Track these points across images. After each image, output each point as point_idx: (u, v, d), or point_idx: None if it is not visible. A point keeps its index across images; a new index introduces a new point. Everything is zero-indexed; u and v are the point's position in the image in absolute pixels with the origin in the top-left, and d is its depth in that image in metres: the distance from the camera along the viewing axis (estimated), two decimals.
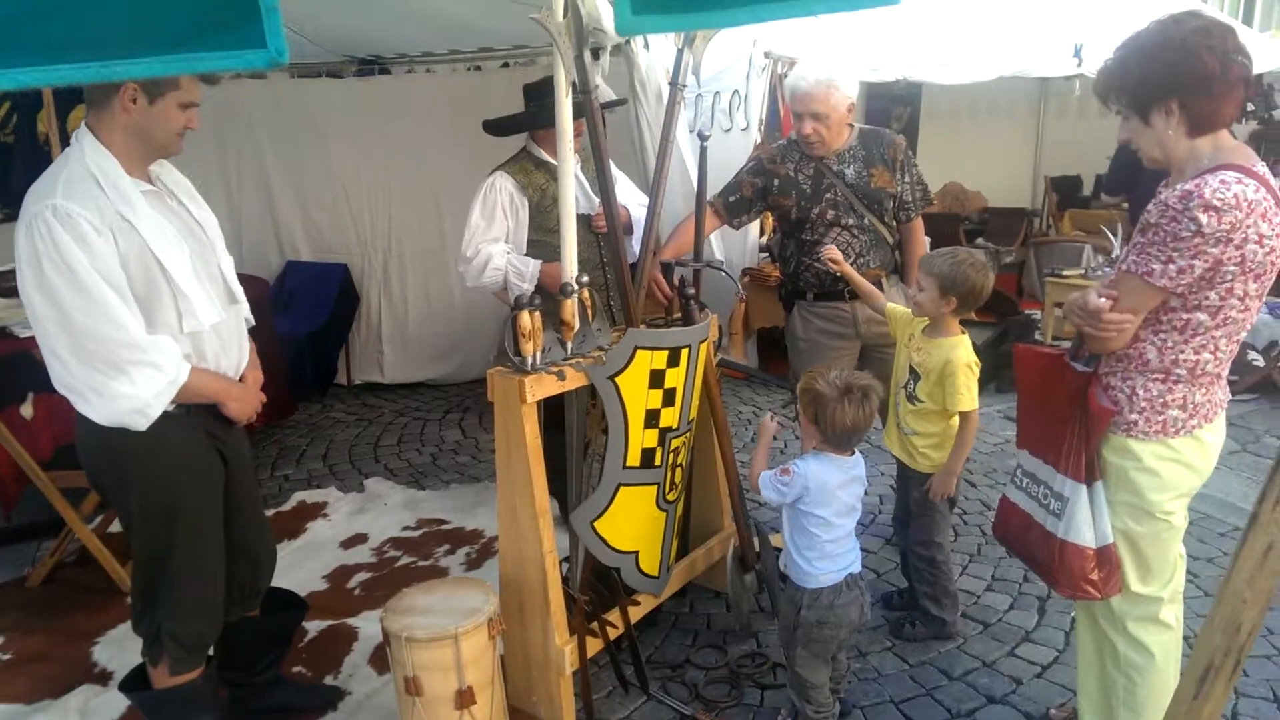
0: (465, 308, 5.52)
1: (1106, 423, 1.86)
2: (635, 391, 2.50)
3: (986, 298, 2.61)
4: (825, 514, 2.25)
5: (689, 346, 2.59)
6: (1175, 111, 1.76)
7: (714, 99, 5.77)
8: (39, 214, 1.81)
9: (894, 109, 8.24)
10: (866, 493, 2.38)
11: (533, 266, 3.28)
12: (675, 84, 2.73)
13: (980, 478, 4.09)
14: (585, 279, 2.58)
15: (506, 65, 5.32)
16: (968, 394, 2.57)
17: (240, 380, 2.22)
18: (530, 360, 2.36)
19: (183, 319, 1.98)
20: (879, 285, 3.13)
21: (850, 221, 3.07)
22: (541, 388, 2.36)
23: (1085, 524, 1.90)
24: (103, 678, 2.72)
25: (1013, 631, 2.88)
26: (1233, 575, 1.04)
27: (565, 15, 2.32)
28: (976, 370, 2.62)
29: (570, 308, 2.47)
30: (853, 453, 2.32)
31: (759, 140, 5.38)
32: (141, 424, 1.92)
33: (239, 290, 2.24)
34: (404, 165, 5.45)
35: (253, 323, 2.38)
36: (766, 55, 5.26)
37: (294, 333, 5.27)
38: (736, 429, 4.83)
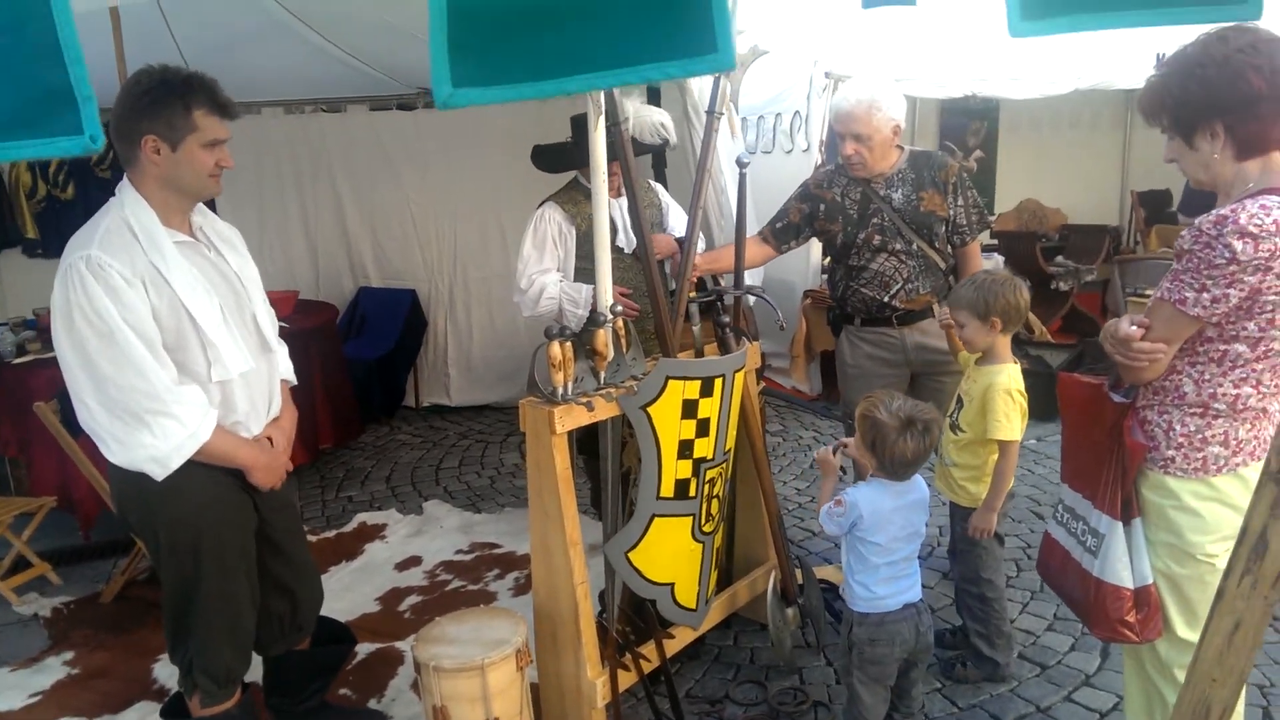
0: (529, 331, 5.60)
1: (1140, 458, 1.76)
2: (668, 422, 2.48)
3: (1028, 307, 2.51)
4: (879, 539, 2.20)
5: (723, 376, 2.56)
6: (1220, 134, 1.66)
7: (775, 120, 5.74)
8: (73, 264, 1.89)
9: (970, 124, 8.02)
10: (927, 524, 2.30)
11: (585, 292, 3.30)
12: (711, 112, 2.73)
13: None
14: (619, 309, 2.58)
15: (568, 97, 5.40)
16: (1006, 422, 2.46)
17: (266, 439, 2.24)
18: (560, 390, 2.37)
19: (211, 367, 2.04)
20: (930, 311, 3.05)
21: (898, 246, 3.01)
22: (571, 418, 2.37)
23: (1121, 563, 1.79)
24: (160, 695, 2.83)
25: (1072, 675, 2.73)
26: (1200, 655, 0.96)
27: None
28: (1021, 400, 2.51)
29: (603, 337, 2.47)
30: (910, 478, 2.26)
31: (819, 161, 5.32)
32: (159, 474, 1.97)
33: (274, 340, 2.30)
34: (469, 193, 5.59)
35: (293, 381, 2.42)
36: (827, 75, 5.20)
37: (364, 357, 5.43)
38: (794, 455, 4.74)
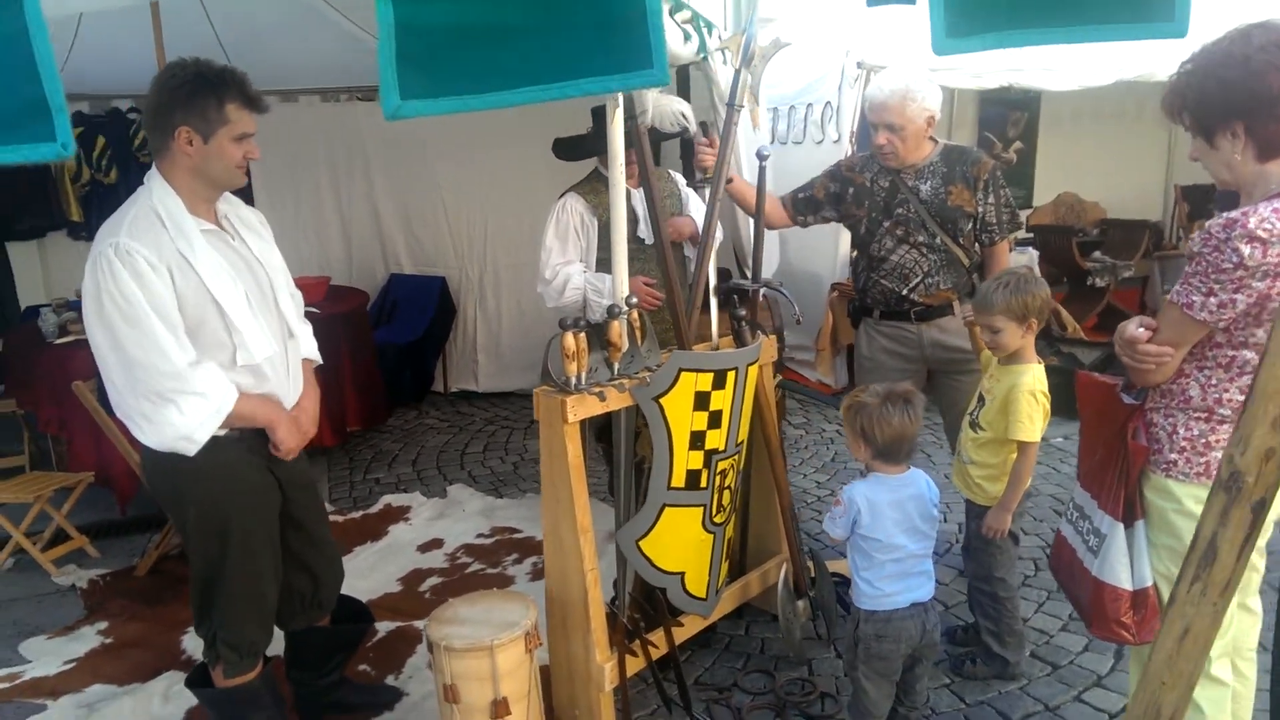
0: (556, 319, 5.63)
1: (1141, 461, 1.76)
2: (680, 413, 2.51)
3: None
4: (879, 535, 2.21)
5: (735, 369, 2.57)
6: (1241, 135, 1.64)
7: (806, 110, 5.71)
8: (103, 251, 1.96)
9: (1011, 114, 7.88)
10: (945, 519, 2.31)
11: (609, 282, 3.33)
12: (731, 105, 2.73)
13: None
14: (635, 300, 2.61)
15: None
16: (1028, 423, 2.45)
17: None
18: (574, 380, 2.40)
19: (237, 352, 2.11)
20: (950, 308, 3.04)
21: (920, 239, 2.99)
22: (584, 408, 2.40)
23: (1121, 564, 1.80)
24: (188, 665, 2.93)
25: (1083, 676, 2.72)
26: (1153, 659, 0.97)
27: None
28: (1044, 401, 2.49)
29: (617, 329, 2.50)
30: (906, 467, 2.27)
31: (850, 152, 5.28)
32: (190, 449, 2.04)
33: (297, 325, 2.36)
34: (501, 182, 5.64)
35: (317, 359, 2.49)
36: (859, 65, 5.15)
37: (394, 342, 5.53)
38: (817, 448, 4.74)
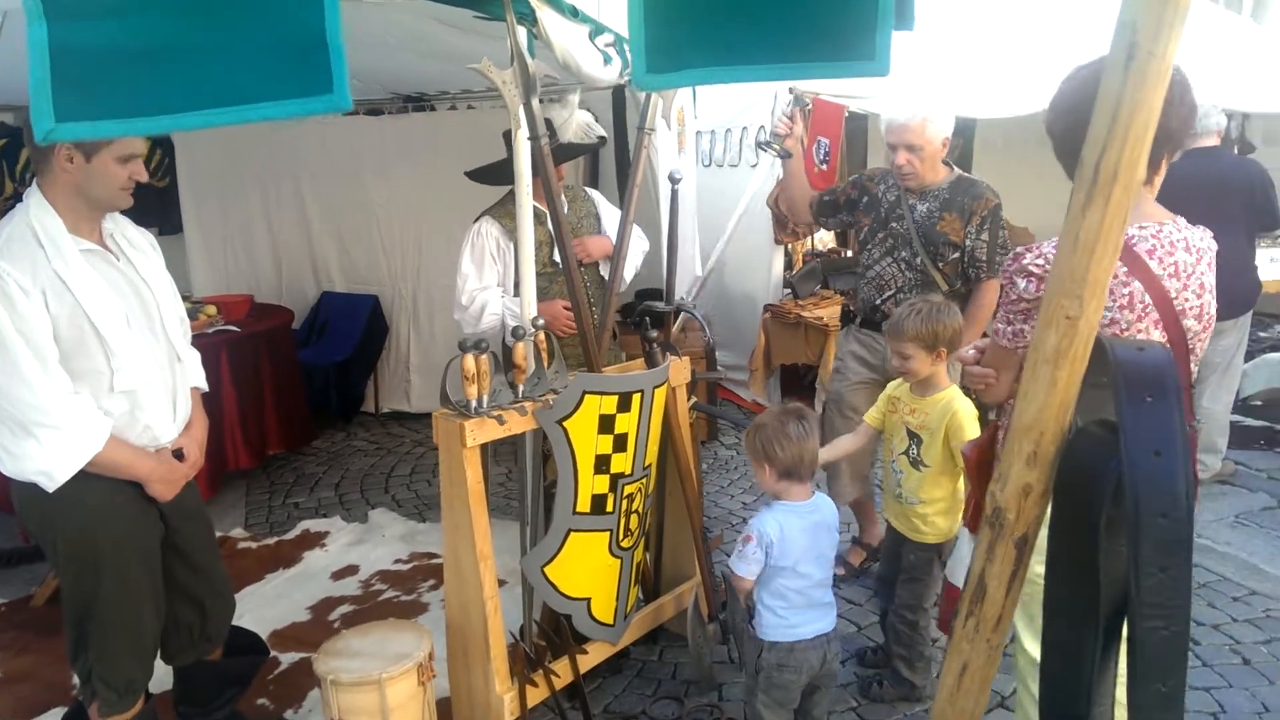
0: (493, 337, 5.59)
1: (972, 470, 1.81)
2: (584, 436, 2.48)
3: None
4: (788, 563, 2.19)
5: (641, 391, 2.55)
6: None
7: (741, 134, 5.75)
8: None
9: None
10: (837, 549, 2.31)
11: None
12: (642, 128, 2.73)
13: None
14: (541, 322, 2.59)
15: (541, 102, 5.41)
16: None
17: (178, 452, 2.23)
18: (473, 404, 2.36)
19: (115, 376, 2.03)
20: None
21: (904, 255, 3.13)
22: (483, 432, 2.36)
23: (962, 566, 1.87)
24: (74, 701, 2.81)
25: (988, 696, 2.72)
26: (938, 697, 0.97)
27: (512, 64, 2.35)
28: (974, 418, 2.51)
29: (522, 351, 2.48)
30: (811, 493, 2.26)
31: (780, 175, 5.33)
32: (49, 485, 1.95)
33: (184, 349, 2.29)
34: (435, 200, 5.57)
35: (204, 387, 2.41)
36: (791, 91, 5.21)
37: (323, 361, 5.42)
38: (746, 469, 4.73)
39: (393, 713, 2.18)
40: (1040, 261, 1.60)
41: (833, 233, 6.77)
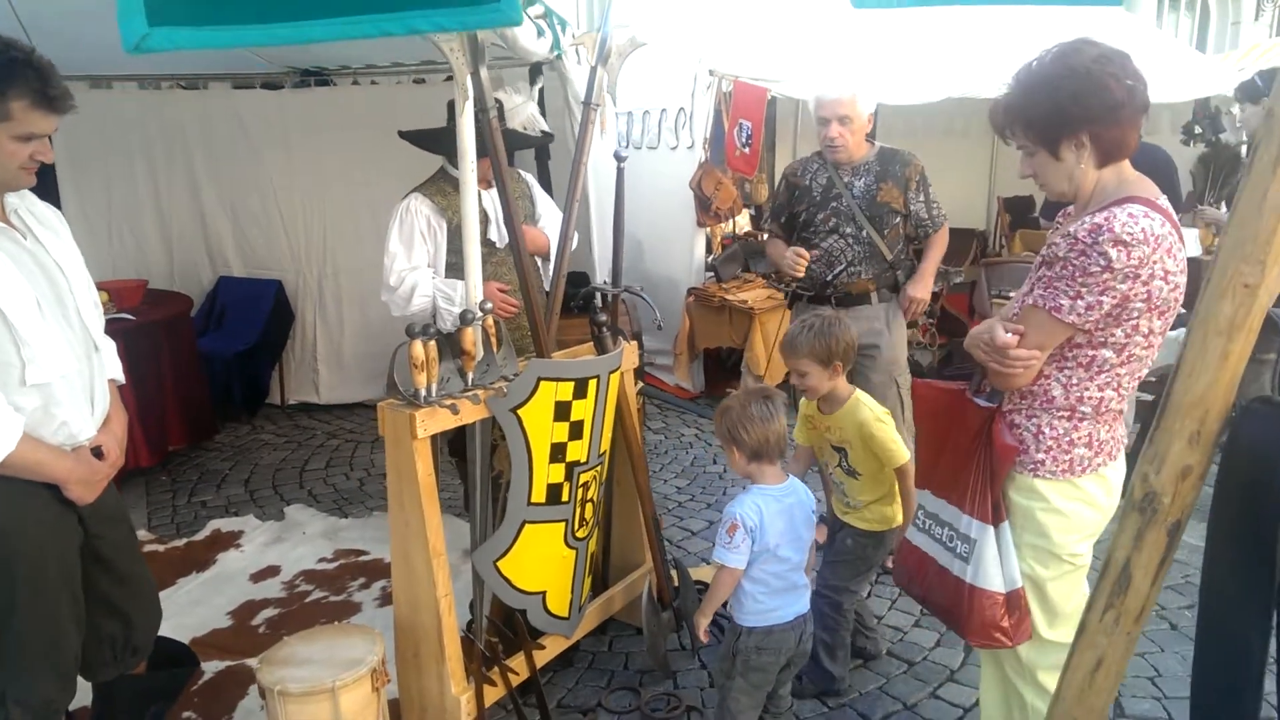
0: (404, 327, 5.37)
1: (1011, 461, 1.77)
2: (539, 425, 2.38)
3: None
4: (768, 547, 2.15)
5: (597, 377, 2.48)
6: (1086, 144, 1.69)
7: (660, 116, 5.70)
8: None
9: None
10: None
11: (461, 289, 3.16)
12: (588, 103, 2.63)
13: None
14: (489, 305, 2.47)
15: (450, 79, 5.17)
16: (896, 446, 2.47)
17: (96, 450, 2.02)
18: (423, 392, 2.23)
19: (26, 369, 1.81)
20: (868, 297, 3.27)
21: (849, 230, 3.22)
22: (434, 422, 2.24)
23: (994, 568, 1.80)
24: None
25: (937, 671, 2.78)
26: (1062, 693, 0.94)
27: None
28: (888, 419, 2.52)
29: (471, 336, 2.35)
30: (785, 477, 2.24)
31: (703, 159, 5.31)
32: None
33: (101, 338, 2.08)
34: (342, 180, 5.30)
35: (120, 380, 2.20)
36: (711, 73, 5.19)
37: (223, 351, 5.10)
38: (676, 453, 4.72)
39: None
40: (1135, 229, 1.58)
41: (749, 216, 6.82)
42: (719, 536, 2.18)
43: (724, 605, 2.25)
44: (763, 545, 2.14)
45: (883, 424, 2.48)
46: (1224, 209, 5.88)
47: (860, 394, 2.57)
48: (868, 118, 3.19)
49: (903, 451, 2.49)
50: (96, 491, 2.00)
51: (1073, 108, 1.66)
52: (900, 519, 2.56)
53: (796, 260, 3.24)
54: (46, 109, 1.81)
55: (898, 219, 3.25)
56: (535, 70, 4.41)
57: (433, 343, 2.24)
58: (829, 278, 3.26)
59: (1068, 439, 1.75)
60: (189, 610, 3.20)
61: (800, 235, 3.32)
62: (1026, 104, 1.73)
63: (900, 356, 3.38)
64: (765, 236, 3.56)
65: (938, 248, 3.38)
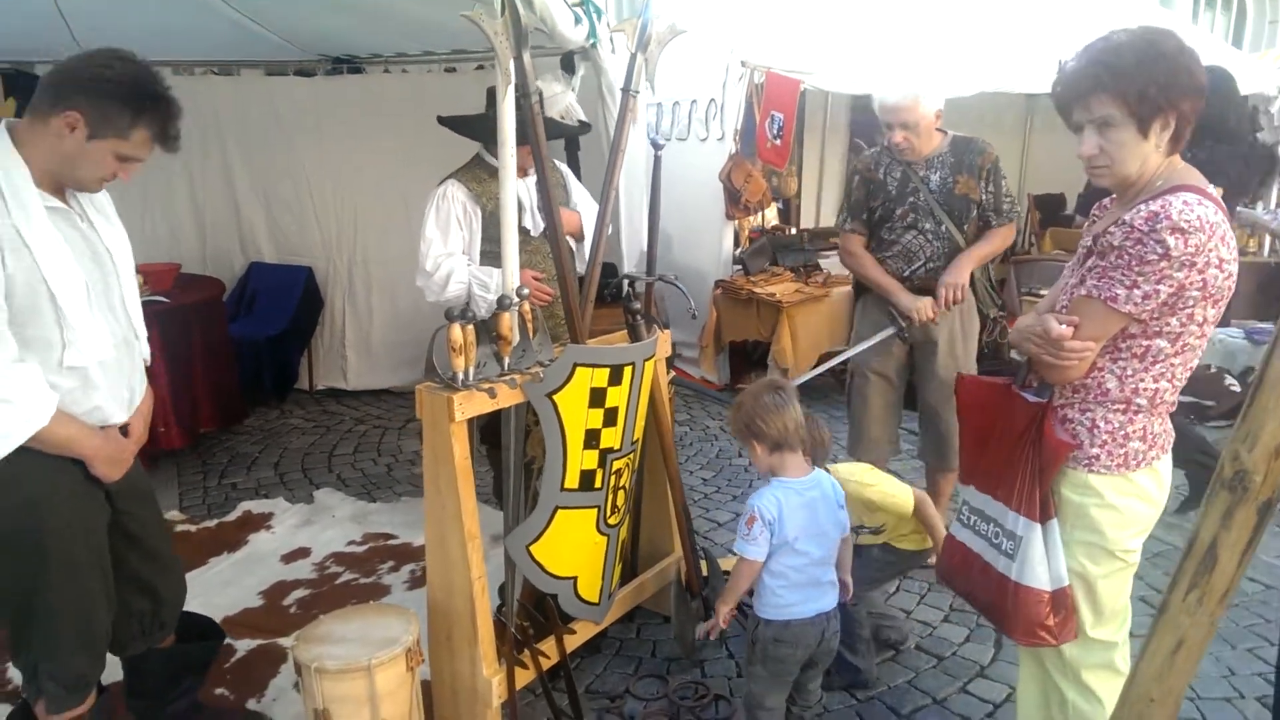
0: (432, 314, 5.29)
1: (1064, 458, 1.75)
2: (574, 410, 2.38)
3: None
4: (787, 541, 2.15)
5: (632, 364, 2.48)
6: (1171, 125, 1.63)
7: (690, 108, 5.69)
8: None
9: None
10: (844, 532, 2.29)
11: (496, 277, 3.16)
12: (627, 90, 2.63)
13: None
14: (526, 291, 2.47)
15: (481, 67, 5.22)
16: (895, 499, 2.49)
17: (124, 427, 2.05)
18: (461, 376, 2.24)
19: (66, 350, 1.84)
20: None
21: (927, 226, 3.16)
22: (472, 405, 2.25)
23: (1040, 565, 1.78)
24: (13, 696, 2.58)
25: (967, 666, 2.77)
26: (1139, 673, 0.92)
27: (503, 14, 2.22)
28: (872, 479, 2.52)
29: (508, 321, 2.36)
30: (811, 468, 2.23)
31: (734, 150, 5.30)
32: None
33: (140, 326, 2.11)
34: (373, 167, 5.34)
35: (148, 359, 2.22)
36: (743, 65, 5.17)
37: (254, 336, 5.14)
38: (701, 445, 4.72)
39: (381, 700, 2.06)
40: (1191, 216, 1.56)
41: (778, 210, 6.79)
42: (739, 528, 2.19)
43: (748, 593, 2.25)
44: (781, 538, 2.14)
45: (869, 487, 2.47)
46: (1260, 209, 5.79)
47: (836, 470, 2.46)
48: (935, 113, 3.07)
49: (904, 499, 2.49)
50: (123, 469, 2.03)
51: (1172, 87, 1.60)
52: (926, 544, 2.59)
53: (927, 312, 3.10)
54: (159, 144, 1.93)
55: (975, 211, 3.17)
56: (568, 60, 4.42)
57: (471, 327, 2.25)
58: (906, 273, 3.19)
59: (1123, 433, 1.73)
60: (220, 590, 3.24)
61: (877, 233, 3.26)
62: (1120, 75, 1.61)
63: (962, 354, 3.27)
64: (840, 237, 3.44)
65: (993, 242, 3.19)
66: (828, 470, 2.35)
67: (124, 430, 2.06)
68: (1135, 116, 1.62)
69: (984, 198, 3.16)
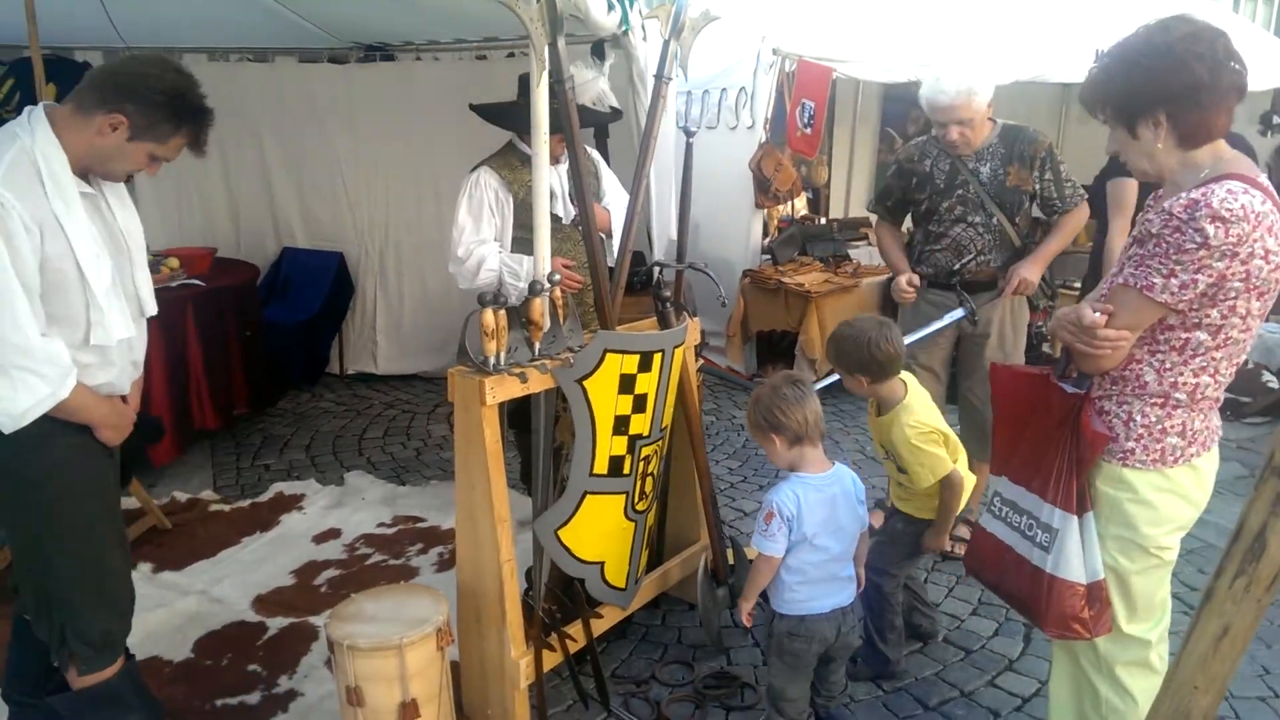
0: (462, 300, 5.36)
1: (1101, 449, 1.73)
2: (604, 396, 2.39)
3: (896, 351, 2.39)
4: (805, 537, 2.15)
5: (662, 351, 2.48)
6: (1163, 123, 1.65)
7: (720, 96, 5.66)
8: None
9: (911, 111, 8.06)
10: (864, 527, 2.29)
11: (527, 264, 3.17)
12: (660, 76, 2.62)
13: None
14: (557, 277, 2.48)
15: (512, 55, 5.23)
16: (925, 468, 2.44)
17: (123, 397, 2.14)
18: (493, 360, 2.26)
19: (92, 330, 1.93)
20: (994, 284, 3.17)
21: (977, 219, 3.13)
22: (503, 389, 2.26)
23: (1076, 558, 1.76)
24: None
25: (995, 660, 2.75)
26: (1183, 659, 0.92)
27: (539, 0, 2.22)
28: (929, 434, 2.46)
29: (539, 307, 2.37)
30: (831, 464, 2.22)
31: (764, 139, 5.27)
32: (9, 427, 1.84)
33: (149, 304, 2.18)
34: (404, 154, 5.37)
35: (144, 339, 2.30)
36: (775, 52, 5.13)
37: (286, 320, 5.21)
38: (728, 434, 4.71)
39: (412, 678, 2.09)
40: (1234, 205, 1.54)
41: (808, 199, 6.75)
42: (757, 524, 2.19)
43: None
44: (800, 534, 2.14)
45: (915, 447, 2.43)
46: None
47: (910, 402, 2.48)
48: (988, 105, 3.02)
49: (941, 466, 2.45)
50: (123, 435, 2.12)
51: (1148, 87, 1.62)
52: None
53: (904, 292, 3.18)
54: (191, 149, 2.04)
55: (1028, 202, 3.12)
56: (598, 47, 4.42)
57: (503, 312, 2.26)
58: (955, 266, 3.17)
59: (1160, 427, 1.70)
60: (254, 567, 3.29)
61: (924, 225, 3.23)
62: (1107, 80, 1.70)
63: (1011, 346, 3.25)
64: (874, 219, 3.49)
65: (1067, 230, 3.15)
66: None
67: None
68: (1120, 120, 1.69)
69: (1039, 186, 3.10)
